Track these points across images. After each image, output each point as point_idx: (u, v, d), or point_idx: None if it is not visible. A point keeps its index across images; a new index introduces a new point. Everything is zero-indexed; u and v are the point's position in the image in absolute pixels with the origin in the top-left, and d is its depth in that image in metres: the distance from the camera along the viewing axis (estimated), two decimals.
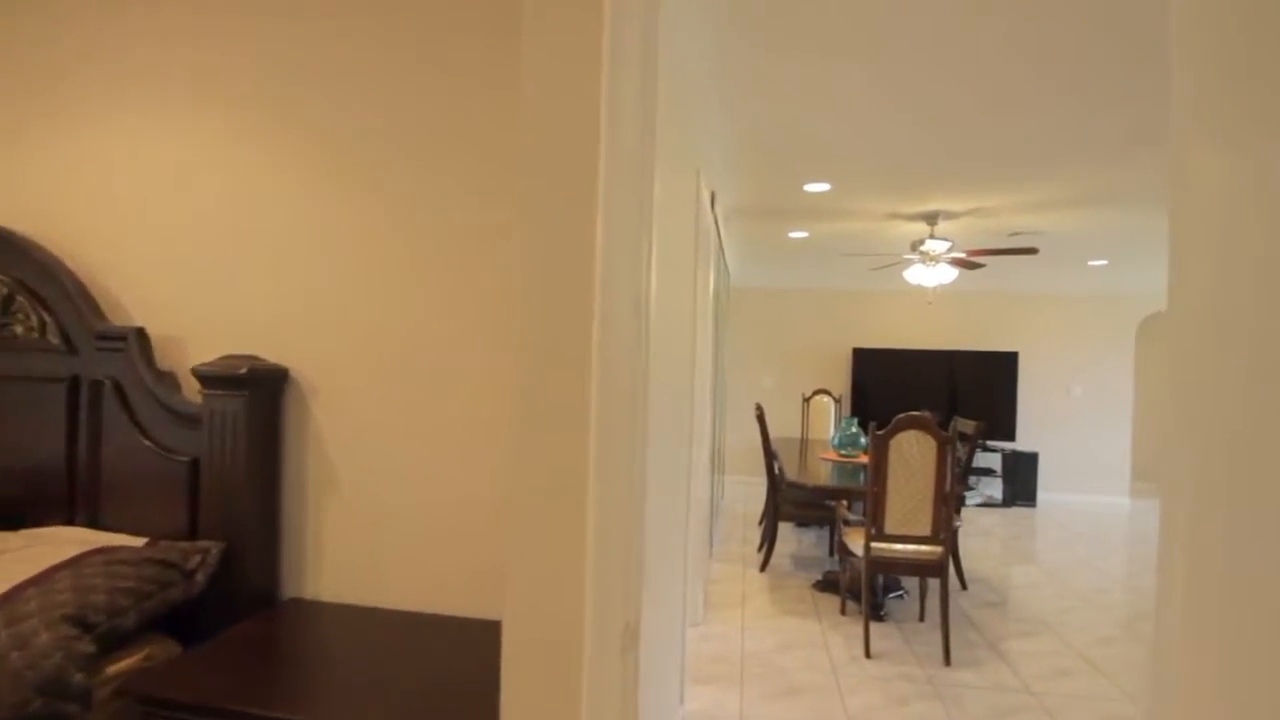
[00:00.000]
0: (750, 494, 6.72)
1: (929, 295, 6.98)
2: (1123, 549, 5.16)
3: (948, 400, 6.88)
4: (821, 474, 3.87)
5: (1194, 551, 0.68)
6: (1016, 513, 6.39)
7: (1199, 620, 0.68)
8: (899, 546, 3.03)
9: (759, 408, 4.73)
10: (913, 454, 2.95)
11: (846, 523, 3.34)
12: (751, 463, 7.19)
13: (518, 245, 0.85)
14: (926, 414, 2.96)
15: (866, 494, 3.07)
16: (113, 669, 1.25)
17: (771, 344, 7.32)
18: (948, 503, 2.98)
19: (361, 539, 1.51)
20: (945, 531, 2.99)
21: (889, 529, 3.01)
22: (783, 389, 7.29)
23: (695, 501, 3.14)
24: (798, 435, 6.66)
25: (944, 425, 5.44)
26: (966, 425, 3.91)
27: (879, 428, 3.01)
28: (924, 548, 3.02)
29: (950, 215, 4.32)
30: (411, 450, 1.48)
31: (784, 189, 3.85)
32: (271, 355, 1.55)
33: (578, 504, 0.84)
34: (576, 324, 0.84)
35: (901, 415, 2.97)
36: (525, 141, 0.85)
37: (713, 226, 3.43)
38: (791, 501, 4.15)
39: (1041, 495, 6.92)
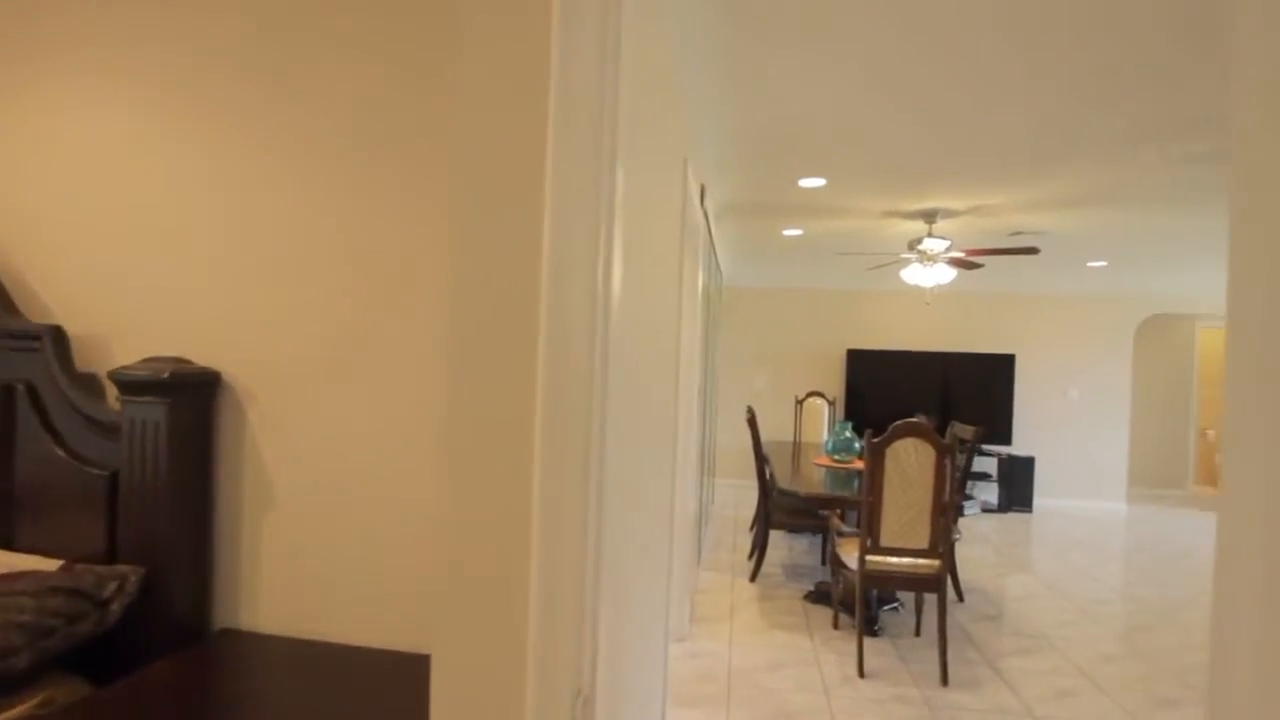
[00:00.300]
0: (741, 498, 6.59)
1: (926, 296, 6.86)
2: (1120, 557, 5.05)
3: (943, 403, 6.76)
4: (814, 481, 3.73)
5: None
6: (1013, 519, 6.27)
7: None
8: (895, 560, 2.90)
9: (750, 411, 4.59)
10: (910, 463, 2.82)
11: (840, 534, 3.20)
12: (743, 465, 7.06)
13: (450, 240, 0.70)
14: (924, 421, 2.82)
15: (861, 504, 2.93)
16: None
17: (764, 345, 7.19)
18: (946, 514, 2.84)
19: (304, 563, 1.35)
20: (944, 544, 2.86)
21: (885, 541, 2.87)
22: (775, 391, 7.16)
23: (680, 509, 2.99)
24: (790, 439, 6.53)
25: (941, 429, 5.31)
26: (965, 430, 3.78)
27: (875, 434, 2.87)
28: (921, 561, 2.89)
29: (949, 214, 4.19)
30: (356, 463, 1.32)
31: (778, 184, 3.71)
32: (205, 358, 1.39)
33: (517, 543, 0.69)
34: (518, 333, 0.69)
35: (899, 422, 2.83)
36: (461, 130, 0.70)
37: (702, 222, 3.28)
38: (783, 509, 4.01)
39: (1038, 500, 6.81)
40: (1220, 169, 3.14)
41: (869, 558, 2.91)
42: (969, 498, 6.64)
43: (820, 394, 6.11)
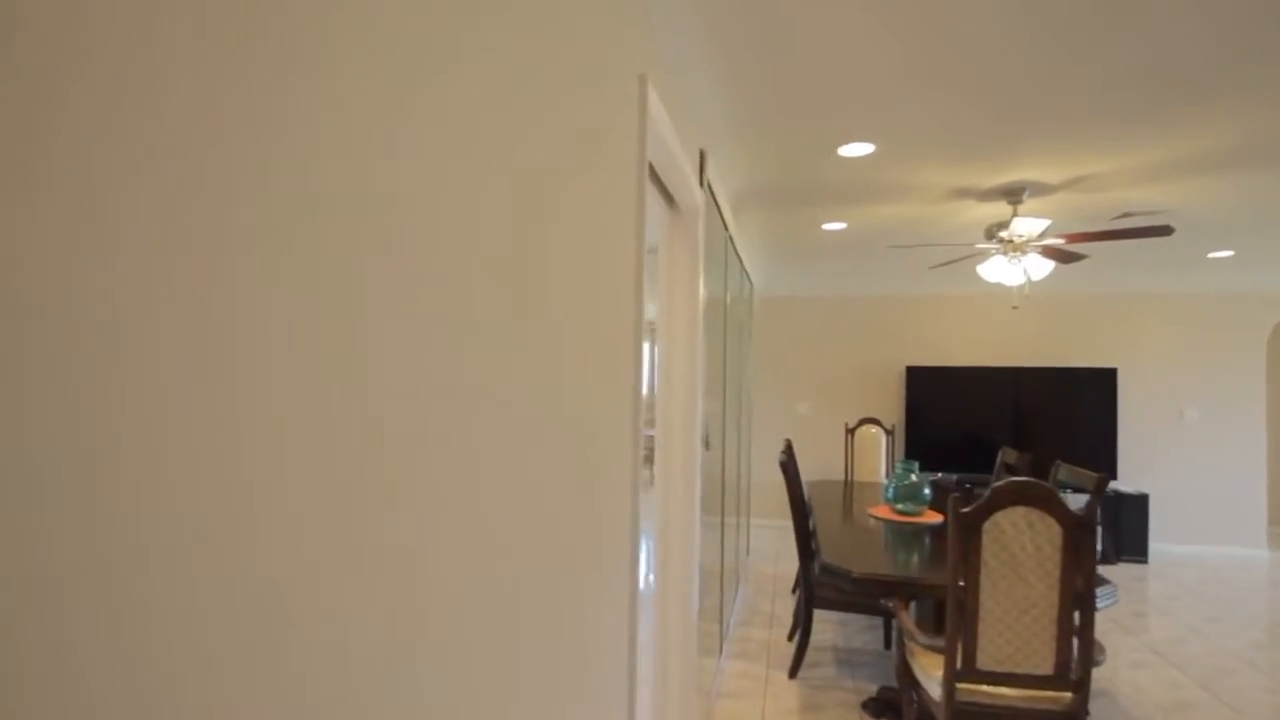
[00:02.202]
0: (784, 544, 5.58)
1: (1013, 298, 5.73)
2: None
3: (1025, 429, 5.62)
4: (872, 552, 2.76)
5: None
6: (1126, 572, 5.07)
7: None
8: (1001, 690, 1.92)
9: (786, 449, 3.65)
10: (1022, 544, 1.85)
11: (913, 638, 2.23)
12: (780, 503, 6.06)
13: None
14: (1041, 483, 1.85)
15: (947, 599, 1.97)
16: None
17: (806, 363, 6.20)
18: (1084, 619, 1.86)
19: None
20: (1079, 668, 1.86)
21: (984, 662, 1.90)
22: (821, 418, 6.14)
23: (678, 581, 2.09)
24: (841, 477, 5.51)
25: (1038, 469, 4.24)
26: (1080, 476, 2.76)
27: (962, 500, 1.91)
28: (1042, 693, 1.90)
29: (1040, 190, 3.20)
30: None
31: (813, 155, 2.81)
32: None
33: None
34: None
35: (1003, 484, 1.87)
36: None
37: (702, 205, 2.41)
38: (831, 586, 3.05)
39: (1154, 546, 5.57)
40: None
41: (960, 685, 1.93)
42: (1105, 582, 5.44)
43: (875, 421, 5.09)
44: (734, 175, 3.11)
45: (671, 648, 2.23)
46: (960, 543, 1.89)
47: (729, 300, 3.58)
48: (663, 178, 1.96)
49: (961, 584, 1.90)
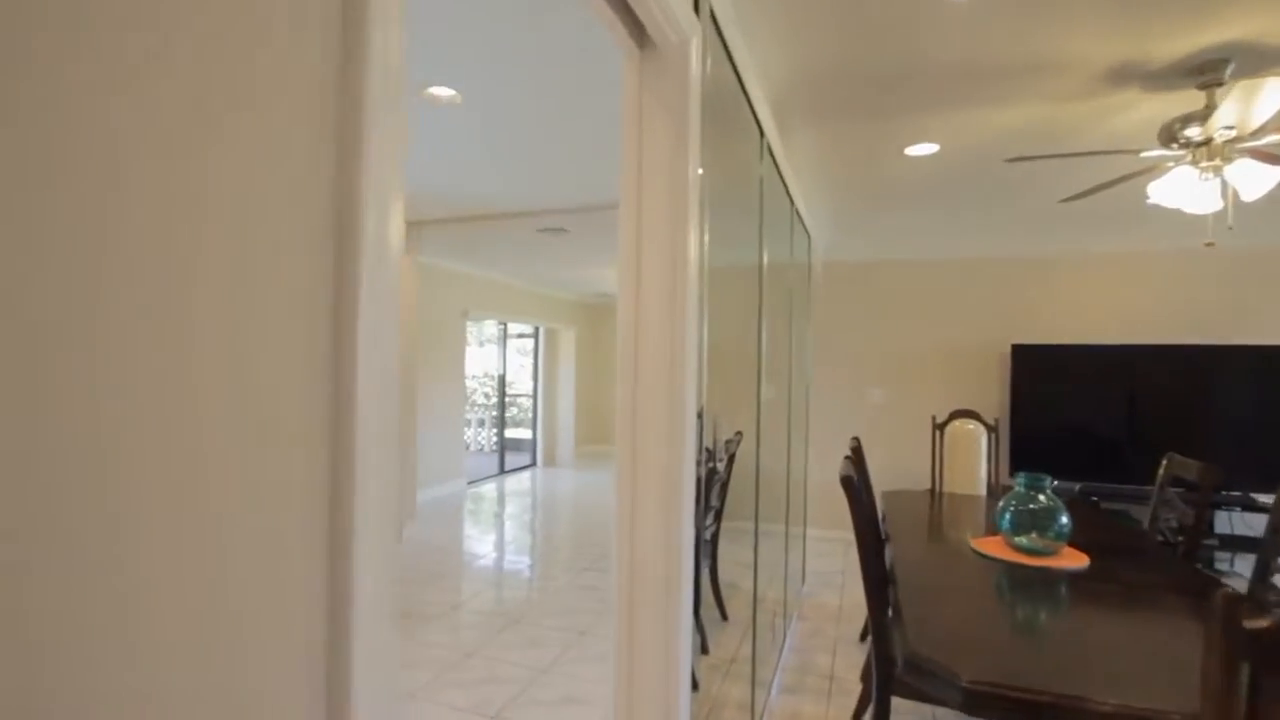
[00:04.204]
0: (850, 564, 4.53)
1: (1207, 230, 3.98)
2: None
3: (1179, 428, 4.31)
4: (990, 628, 1.72)
5: None
6: None
7: None
8: None
9: (853, 453, 2.63)
10: None
11: None
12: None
13: None
14: None
15: None
16: None
17: (880, 341, 5.08)
18: None
19: None
20: None
21: None
22: (899, 408, 5.01)
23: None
24: (925, 484, 4.40)
25: (1227, 486, 3.03)
26: (1184, 468, 1.64)
27: (1232, 600, 0.88)
28: None
29: (1258, 59, 2.04)
30: None
31: (893, 10, 1.79)
32: None
33: None
34: None
35: None
36: None
37: (703, 40, 1.45)
38: (917, 670, 2.03)
39: None
40: None
41: None
42: (1214, 576, 4.14)
43: (973, 414, 3.96)
44: (774, 54, 2.11)
45: None
46: (1227, 674, 0.88)
47: (766, 254, 2.59)
48: None
49: None
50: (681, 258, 1.38)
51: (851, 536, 5.07)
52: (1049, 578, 2.14)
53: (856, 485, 2.10)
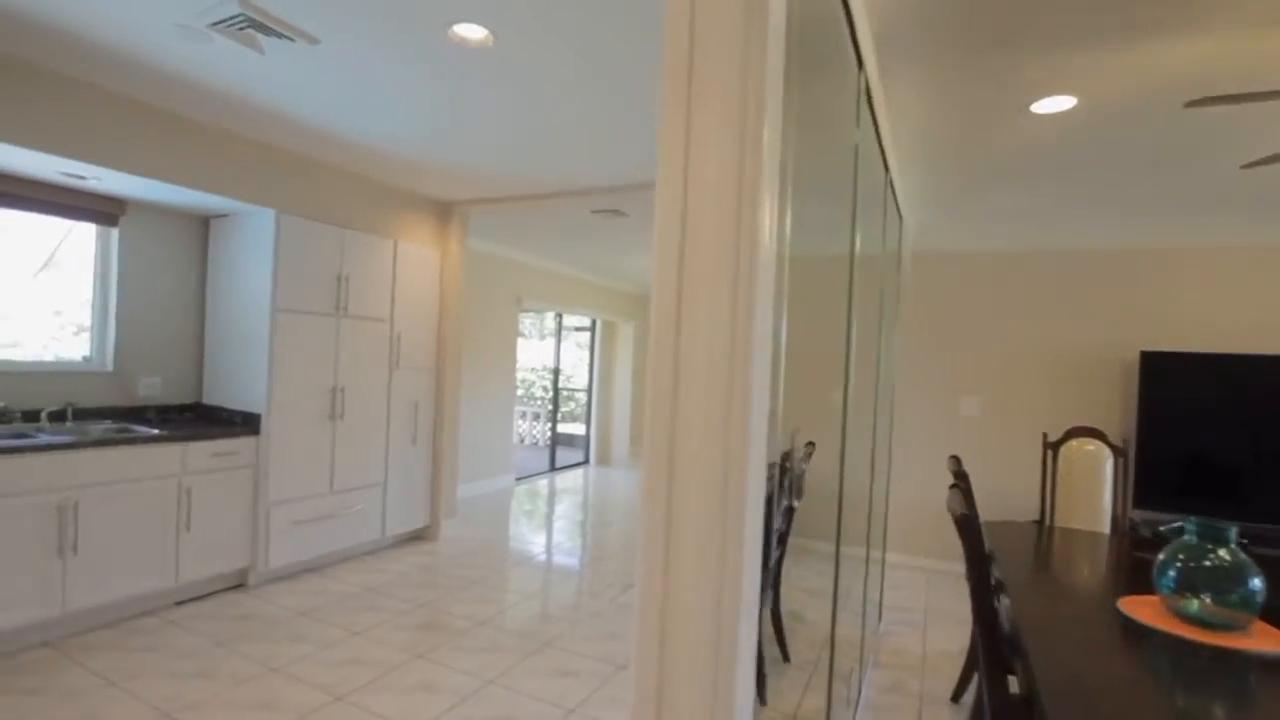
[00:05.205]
0: (935, 599, 3.94)
1: None
2: None
3: None
4: None
5: None
6: None
7: None
8: None
9: (958, 480, 2.10)
10: None
11: None
12: (934, 536, 4.40)
13: None
14: None
15: None
16: None
17: (975, 342, 4.44)
18: None
19: None
20: None
21: None
22: (997, 421, 4.36)
23: None
24: (1031, 515, 3.76)
25: None
26: None
27: None
28: None
29: None
30: None
31: None
32: None
33: None
34: None
35: None
36: None
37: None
38: None
39: None
40: None
41: None
42: None
43: (1095, 433, 3.31)
44: None
45: None
46: None
47: (858, 240, 2.10)
48: None
49: None
50: (750, 239, 0.95)
51: (935, 565, 4.47)
52: (1236, 664, 1.57)
53: (976, 525, 1.59)
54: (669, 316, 1.00)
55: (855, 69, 1.74)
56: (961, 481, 2.25)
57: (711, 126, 0.98)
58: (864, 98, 1.91)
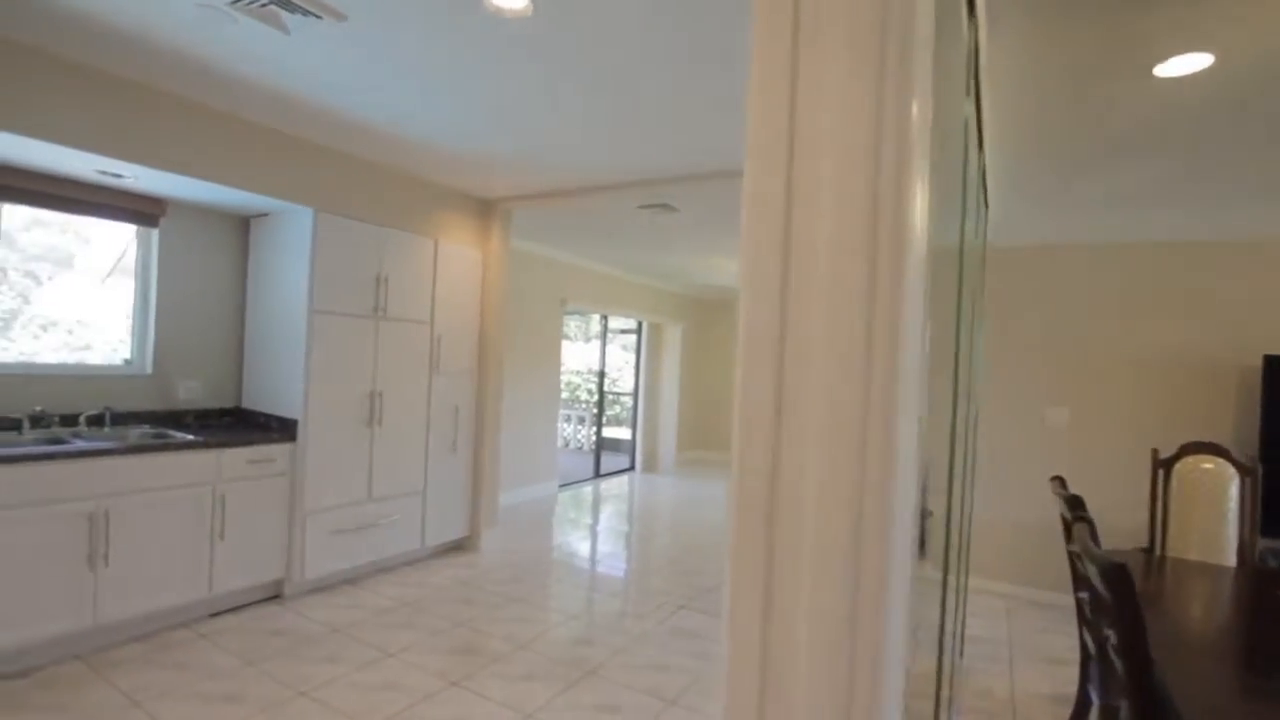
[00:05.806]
0: (1015, 628, 3.53)
1: None
2: None
3: None
4: None
5: None
6: None
7: None
8: None
9: (1068, 503, 1.76)
10: None
11: None
12: (1012, 558, 3.99)
13: None
14: None
15: None
16: None
17: (1062, 348, 4.01)
18: None
19: None
20: None
21: None
22: (1090, 436, 3.92)
23: None
24: (1138, 542, 3.32)
25: None
26: None
27: None
28: None
29: None
30: None
31: None
32: None
33: None
34: None
35: None
36: None
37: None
38: None
39: None
40: None
41: None
42: None
43: (1217, 450, 2.88)
44: None
45: None
46: None
47: (966, 233, 1.78)
48: None
49: None
50: (901, 221, 0.69)
51: (1014, 590, 4.05)
52: None
53: (1129, 580, 1.27)
54: (770, 293, 0.73)
55: (965, 18, 1.43)
56: (1075, 506, 1.90)
57: (832, 72, 0.72)
58: (973, 59, 1.60)
